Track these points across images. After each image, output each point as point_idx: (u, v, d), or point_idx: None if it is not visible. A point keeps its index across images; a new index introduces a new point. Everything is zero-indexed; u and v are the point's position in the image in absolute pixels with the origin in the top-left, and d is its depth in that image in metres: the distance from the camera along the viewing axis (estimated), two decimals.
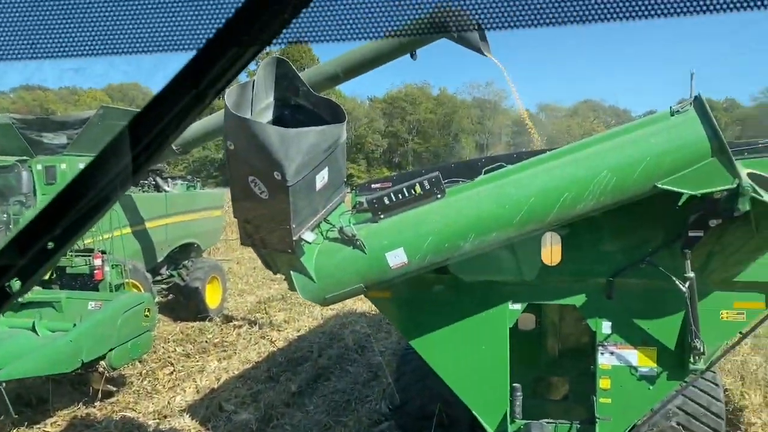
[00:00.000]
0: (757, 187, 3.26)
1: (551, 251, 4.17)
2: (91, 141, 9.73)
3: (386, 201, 3.79)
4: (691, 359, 3.94)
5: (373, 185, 4.57)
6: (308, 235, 3.64)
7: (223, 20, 0.78)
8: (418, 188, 3.74)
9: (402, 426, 6.28)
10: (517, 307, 4.33)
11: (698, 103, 3.38)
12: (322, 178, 3.56)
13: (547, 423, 4.45)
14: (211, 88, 0.84)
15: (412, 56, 7.34)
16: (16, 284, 0.74)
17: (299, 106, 3.60)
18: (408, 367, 6.24)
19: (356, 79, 8.06)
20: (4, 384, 5.76)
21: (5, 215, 9.18)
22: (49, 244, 0.72)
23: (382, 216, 3.79)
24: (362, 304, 11.99)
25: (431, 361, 4.49)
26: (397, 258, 3.69)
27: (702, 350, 3.86)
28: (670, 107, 3.47)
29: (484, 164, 4.08)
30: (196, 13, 0.77)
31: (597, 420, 4.26)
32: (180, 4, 0.77)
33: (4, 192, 9.24)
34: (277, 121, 3.51)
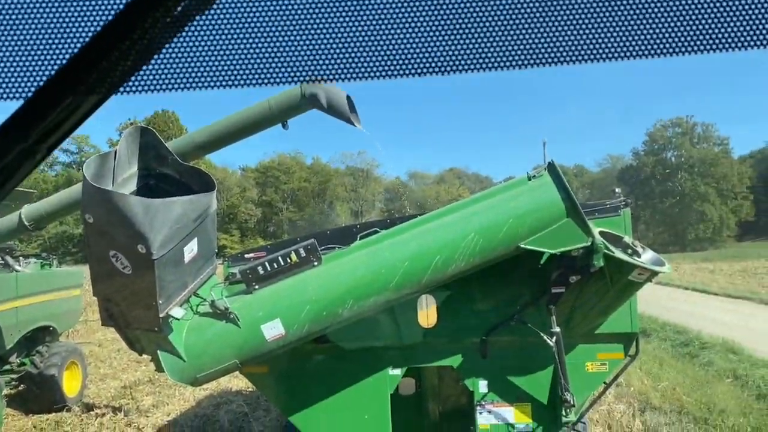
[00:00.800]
0: (608, 244, 3.54)
1: (427, 314, 4.24)
2: None
3: (261, 271, 3.69)
4: (563, 412, 4.10)
5: (246, 255, 4.45)
6: (177, 311, 3.44)
7: (57, 67, 0.72)
8: (293, 256, 3.69)
9: None
10: (397, 372, 4.33)
11: (551, 168, 3.66)
12: (191, 250, 3.41)
13: None
14: (43, 142, 0.76)
15: (284, 126, 7.38)
16: None
17: (166, 176, 3.46)
18: None
19: (227, 149, 7.93)
20: None
21: None
22: None
23: (256, 287, 3.68)
24: (238, 381, 11.43)
25: None
26: (273, 330, 3.58)
27: (572, 402, 4.04)
28: (527, 173, 3.73)
29: (359, 230, 4.12)
30: (28, 59, 0.70)
31: None
32: (7, 49, 0.70)
33: None
34: (142, 192, 3.35)
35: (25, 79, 0.69)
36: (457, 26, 0.76)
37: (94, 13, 0.71)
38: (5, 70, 0.69)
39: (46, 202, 9.16)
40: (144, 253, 3.02)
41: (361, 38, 0.74)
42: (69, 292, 11.83)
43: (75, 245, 54.98)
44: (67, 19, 0.70)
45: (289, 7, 0.75)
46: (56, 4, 0.70)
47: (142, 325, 3.36)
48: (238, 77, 0.73)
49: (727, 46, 0.73)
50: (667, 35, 0.74)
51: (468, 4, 0.76)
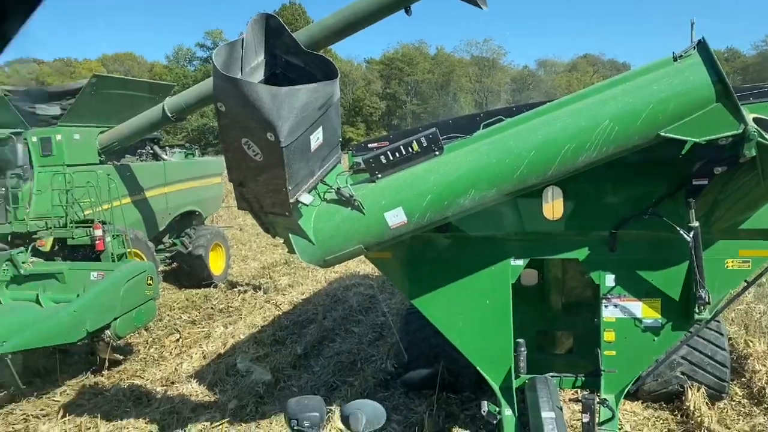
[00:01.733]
0: (763, 132, 3.17)
1: (553, 205, 4.11)
2: (84, 110, 9.60)
3: (383, 160, 3.71)
4: (696, 309, 3.91)
5: (369, 145, 4.49)
6: (305, 197, 3.57)
7: None
8: (415, 146, 3.66)
9: (407, 384, 6.34)
10: (519, 263, 4.29)
11: (702, 47, 3.27)
12: (316, 138, 3.47)
13: (552, 377, 4.45)
14: None
15: (407, 11, 7.16)
16: None
17: (290, 65, 3.49)
18: (412, 326, 6.26)
19: (352, 40, 7.85)
20: (9, 356, 5.79)
21: (3, 189, 9.12)
22: None
23: (379, 175, 3.72)
24: (365, 266, 12.01)
25: (434, 319, 4.48)
26: (396, 217, 3.64)
27: (707, 300, 3.83)
28: (673, 53, 3.36)
29: (482, 119, 3.99)
30: None
31: (602, 372, 4.27)
32: None
33: (1, 165, 9.16)
34: (269, 80, 3.41)
35: None
36: None
37: None
38: None
39: (186, 94, 9.72)
40: (273, 141, 3.11)
41: None
42: (211, 179, 12.74)
43: (215, 137, 58.47)
44: None
45: None
46: None
47: (274, 209, 3.54)
48: None
49: None
50: None
51: None
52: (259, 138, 3.16)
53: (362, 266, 12.13)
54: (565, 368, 4.68)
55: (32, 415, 6.18)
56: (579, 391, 4.70)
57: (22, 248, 7.77)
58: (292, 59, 3.50)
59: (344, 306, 9.83)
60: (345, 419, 1.99)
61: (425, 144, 3.63)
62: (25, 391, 6.48)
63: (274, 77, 3.52)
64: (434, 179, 3.56)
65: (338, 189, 3.68)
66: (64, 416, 6.03)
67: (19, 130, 9.23)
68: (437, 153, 3.63)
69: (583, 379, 4.55)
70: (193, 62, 78.06)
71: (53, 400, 6.54)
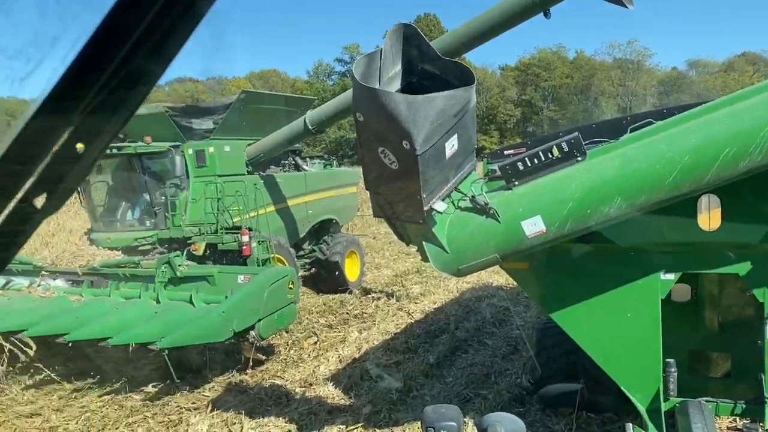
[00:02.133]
0: None
1: (709, 215, 3.76)
2: (234, 124, 10.29)
3: (521, 167, 3.60)
4: None
5: (506, 151, 4.38)
6: (439, 205, 3.55)
7: None
8: (555, 151, 3.51)
9: (544, 401, 6.09)
10: (670, 277, 3.97)
11: None
12: (451, 146, 3.44)
13: (707, 401, 4.06)
14: None
15: (546, 14, 6.93)
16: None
17: (426, 73, 3.49)
18: (549, 341, 6.02)
19: (486, 47, 7.73)
20: (166, 351, 6.29)
21: (163, 197, 9.98)
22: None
23: (516, 183, 3.61)
24: (499, 277, 11.77)
25: (574, 335, 4.25)
26: (534, 226, 3.51)
27: None
28: None
29: (629, 122, 3.75)
30: None
31: (766, 400, 3.83)
32: None
33: (161, 175, 10.04)
34: (406, 89, 3.43)
35: None
36: None
37: None
38: None
39: (325, 107, 10.12)
40: (408, 149, 3.12)
41: None
42: (347, 189, 13.16)
43: (351, 148, 60.59)
44: None
45: None
46: None
47: (408, 217, 3.55)
48: None
49: None
50: None
51: None
52: (395, 146, 3.19)
53: (495, 277, 11.90)
54: (721, 393, 4.27)
55: (184, 407, 6.67)
56: (738, 419, 4.26)
57: (178, 252, 8.45)
58: (428, 67, 3.50)
59: (477, 317, 9.69)
60: (482, 431, 1.92)
61: (566, 149, 3.47)
62: (179, 385, 7.01)
63: (410, 86, 3.54)
64: (576, 186, 3.39)
65: (473, 197, 3.62)
66: (212, 411, 6.45)
67: (177, 143, 10.06)
68: (579, 158, 3.46)
69: (744, 406, 4.12)
70: (331, 77, 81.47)
71: (203, 395, 7.02)
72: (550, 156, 3.51)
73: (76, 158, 0.58)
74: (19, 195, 0.58)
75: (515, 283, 5.10)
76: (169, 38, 0.60)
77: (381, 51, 3.37)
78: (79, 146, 0.58)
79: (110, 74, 0.57)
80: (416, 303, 10.93)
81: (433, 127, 3.18)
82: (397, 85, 3.50)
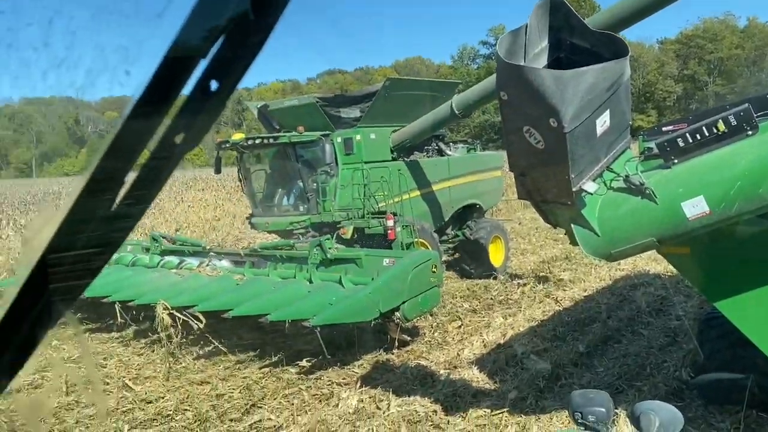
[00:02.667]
0: None
1: None
2: (379, 112, 10.53)
3: (681, 143, 3.34)
4: None
5: (664, 128, 4.08)
6: (589, 186, 3.40)
7: None
8: (721, 125, 3.22)
9: (707, 397, 5.64)
10: None
11: None
12: (603, 122, 3.27)
13: None
14: None
15: None
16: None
17: (576, 47, 3.34)
18: (713, 332, 5.55)
19: (643, 21, 7.21)
20: (318, 328, 6.64)
21: (314, 184, 10.48)
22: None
23: (675, 161, 3.37)
24: (656, 264, 11.04)
25: (743, 326, 3.90)
26: (695, 208, 3.25)
27: None
28: None
29: None
30: None
31: None
32: None
33: (312, 163, 10.54)
34: (553, 65, 3.31)
35: None
36: None
37: None
38: None
39: (471, 91, 10.05)
40: (556, 127, 3.02)
41: None
42: (491, 173, 12.99)
43: (496, 132, 59.60)
44: None
45: None
46: None
47: (556, 198, 3.44)
48: None
49: None
50: None
51: None
52: (542, 125, 3.10)
53: (652, 264, 11.17)
54: None
55: (335, 382, 7.00)
56: None
57: (328, 236, 8.85)
58: (578, 41, 3.35)
59: (631, 306, 9.16)
60: (635, 419, 1.81)
61: (734, 123, 3.17)
62: (330, 361, 7.36)
63: (557, 62, 3.41)
64: (745, 163, 3.09)
65: (627, 176, 3.42)
66: (361, 387, 6.71)
67: (326, 132, 10.50)
68: (750, 132, 3.14)
69: None
70: (476, 60, 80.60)
71: (352, 371, 7.32)
72: (715, 131, 3.22)
73: (209, 96, 0.62)
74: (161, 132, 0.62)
75: (674, 270, 4.76)
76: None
77: (526, 26, 3.28)
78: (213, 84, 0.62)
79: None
80: (564, 290, 10.57)
81: (583, 103, 3.04)
82: (543, 61, 3.39)
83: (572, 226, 3.57)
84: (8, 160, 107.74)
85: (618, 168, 3.50)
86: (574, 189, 3.27)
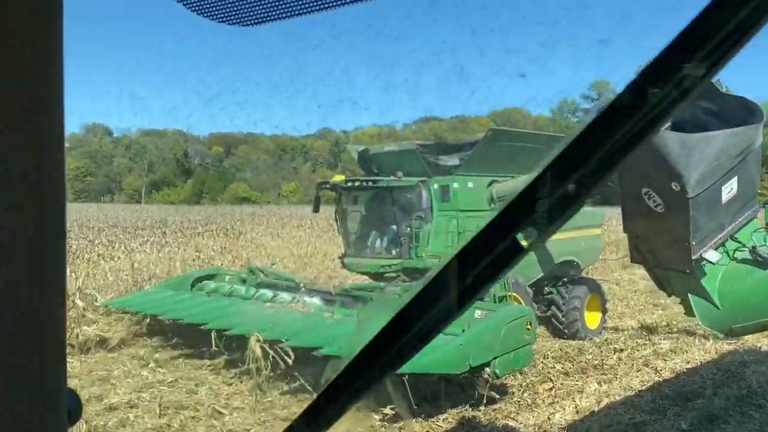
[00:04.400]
0: None
1: None
2: (479, 161, 10.52)
3: None
4: None
5: None
6: (711, 255, 3.21)
7: None
8: None
9: None
10: None
11: None
12: (729, 189, 3.10)
13: None
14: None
15: None
16: (531, 233, 0.65)
17: (703, 109, 3.21)
18: None
19: None
20: (405, 376, 6.56)
21: (408, 228, 10.54)
22: (570, 186, 0.63)
23: None
24: None
25: None
26: None
27: None
28: None
29: None
30: None
31: None
32: None
33: (407, 208, 10.62)
34: (678, 126, 3.19)
35: None
36: None
37: None
38: None
39: None
40: (678, 191, 2.90)
41: None
42: (591, 230, 12.59)
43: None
44: None
45: None
46: None
47: (673, 264, 3.27)
48: None
49: None
50: None
51: None
52: (663, 187, 2.98)
53: (765, 339, 10.34)
54: None
55: None
56: None
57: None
58: (705, 103, 3.22)
59: (740, 384, 8.47)
60: None
61: None
62: (416, 412, 7.24)
63: (681, 122, 3.29)
64: None
65: (753, 248, 3.21)
66: None
67: (423, 178, 10.59)
68: None
69: None
70: (576, 113, 79.40)
71: (437, 424, 7.15)
72: None
73: (572, 197, 0.59)
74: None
75: None
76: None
77: None
78: (571, 187, 0.59)
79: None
80: (665, 360, 9.94)
81: (710, 168, 2.90)
82: (666, 121, 3.28)
83: (689, 295, 3.37)
84: (121, 186, 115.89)
85: (743, 238, 3.29)
86: (694, 257, 3.10)
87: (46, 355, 0.62)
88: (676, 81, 0.53)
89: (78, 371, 8.70)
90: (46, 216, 0.61)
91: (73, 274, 13.91)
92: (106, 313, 11.63)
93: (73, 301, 10.65)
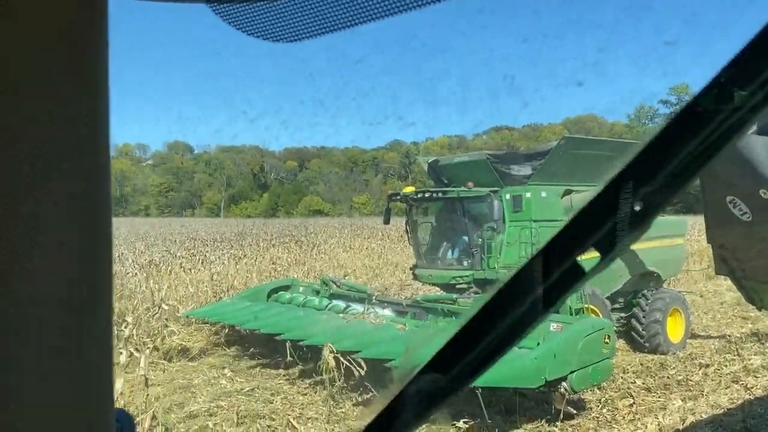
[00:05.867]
0: None
1: None
2: (552, 170, 10.29)
3: None
4: None
5: None
6: None
7: None
8: None
9: None
10: None
11: None
12: None
13: None
14: None
15: None
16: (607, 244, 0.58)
17: None
18: None
19: None
20: (479, 389, 6.47)
21: (480, 239, 10.42)
22: (648, 194, 0.60)
23: None
24: None
25: None
26: None
27: None
28: None
29: None
30: None
31: None
32: None
33: (479, 219, 10.51)
34: (763, 130, 3.03)
35: None
36: None
37: None
38: None
39: None
40: (767, 198, 2.74)
41: None
42: (673, 240, 12.06)
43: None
44: None
45: None
46: None
47: (763, 276, 3.09)
48: None
49: None
50: None
51: None
52: (750, 195, 2.82)
53: None
54: None
55: None
56: None
57: None
58: None
59: None
60: None
61: None
62: (489, 426, 7.12)
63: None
64: None
65: None
66: None
67: (495, 188, 10.46)
68: None
69: None
70: (654, 119, 76.56)
71: None
72: None
73: (649, 206, 0.57)
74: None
75: None
76: None
77: None
78: (638, 205, 0.57)
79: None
80: (756, 377, 9.36)
81: None
82: (753, 125, 3.12)
83: None
84: (202, 201, 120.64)
85: None
86: None
87: (91, 373, 0.60)
88: (761, 81, 0.51)
89: (161, 379, 9.07)
90: (94, 224, 0.60)
91: (156, 285, 14.57)
92: (187, 323, 12.11)
93: (159, 308, 11.24)
